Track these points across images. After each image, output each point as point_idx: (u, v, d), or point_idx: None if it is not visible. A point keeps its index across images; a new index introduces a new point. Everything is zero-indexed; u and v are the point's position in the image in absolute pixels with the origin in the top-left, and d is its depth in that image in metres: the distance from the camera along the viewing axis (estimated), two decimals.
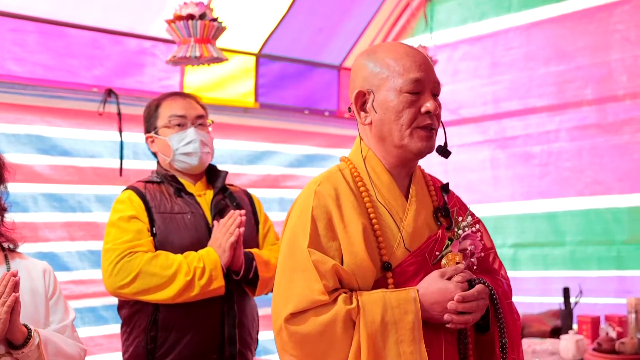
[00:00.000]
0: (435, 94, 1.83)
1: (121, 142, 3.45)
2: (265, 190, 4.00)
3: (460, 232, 1.84)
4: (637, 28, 3.70)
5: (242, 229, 2.48)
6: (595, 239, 3.89)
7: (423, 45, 3.99)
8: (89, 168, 3.41)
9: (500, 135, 4.19)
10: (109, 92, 3.42)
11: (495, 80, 4.20)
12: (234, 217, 2.49)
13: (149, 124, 2.71)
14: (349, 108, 1.88)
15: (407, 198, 1.86)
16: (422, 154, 1.83)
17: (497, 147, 4.21)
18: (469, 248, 1.84)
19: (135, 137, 3.54)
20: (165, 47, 3.65)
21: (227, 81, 3.93)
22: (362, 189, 1.82)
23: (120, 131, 3.45)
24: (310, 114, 4.37)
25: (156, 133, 2.68)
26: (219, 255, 2.47)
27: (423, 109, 1.78)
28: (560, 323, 3.57)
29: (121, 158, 3.45)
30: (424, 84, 1.79)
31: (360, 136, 1.89)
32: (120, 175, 3.44)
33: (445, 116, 4.36)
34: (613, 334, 3.33)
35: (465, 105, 4.29)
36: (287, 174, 4.24)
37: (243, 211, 2.53)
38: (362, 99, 1.83)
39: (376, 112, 1.80)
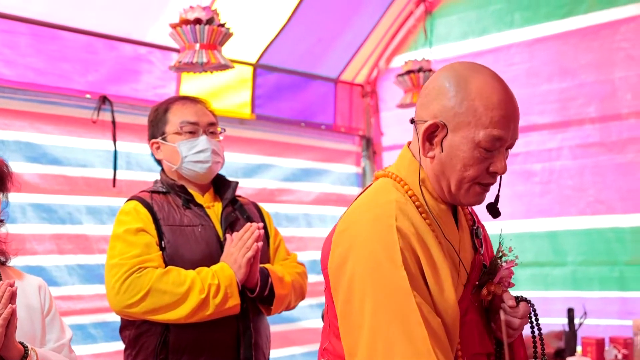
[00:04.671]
0: (509, 147, 1.66)
1: (115, 152, 3.31)
2: (260, 204, 3.88)
3: (503, 263, 1.73)
4: None
5: (260, 244, 2.34)
6: (598, 260, 3.82)
7: (427, 59, 3.90)
8: (81, 178, 3.26)
9: None
10: (104, 99, 3.29)
11: None
12: (252, 231, 2.35)
13: (156, 129, 2.54)
14: (412, 120, 1.68)
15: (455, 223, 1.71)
16: (470, 206, 1.71)
17: None
18: (506, 276, 1.75)
19: (128, 146, 3.42)
20: (161, 54, 3.53)
21: (224, 91, 3.82)
22: (427, 221, 1.62)
23: (115, 140, 3.31)
24: (307, 127, 4.27)
25: (164, 139, 2.52)
26: (235, 271, 2.32)
27: (491, 169, 1.61)
28: (563, 345, 3.49)
29: (115, 168, 3.31)
30: (503, 142, 1.60)
31: (412, 152, 1.70)
32: (114, 186, 3.30)
33: None
34: (620, 357, 3.26)
35: None
36: (283, 188, 4.12)
37: (261, 224, 2.39)
38: (433, 129, 1.62)
39: (442, 151, 1.61)
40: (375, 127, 4.70)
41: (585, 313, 3.45)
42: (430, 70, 3.86)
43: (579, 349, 3.44)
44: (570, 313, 3.46)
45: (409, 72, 3.89)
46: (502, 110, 1.58)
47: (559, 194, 3.93)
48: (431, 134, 1.63)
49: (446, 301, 1.55)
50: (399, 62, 4.42)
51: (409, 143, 1.75)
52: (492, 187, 1.67)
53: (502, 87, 1.62)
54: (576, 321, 3.45)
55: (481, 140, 1.57)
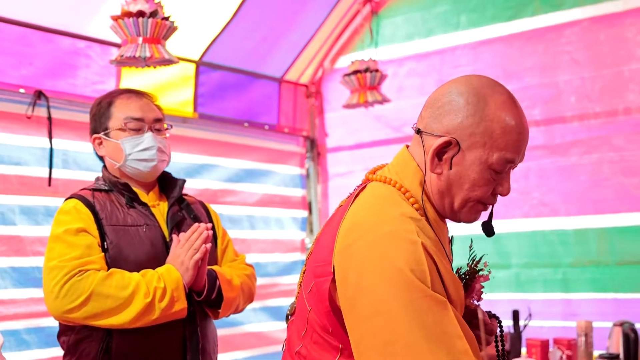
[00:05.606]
0: (514, 168, 1.63)
1: (51, 149, 3.16)
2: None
3: (477, 275, 1.72)
4: (586, 50, 3.70)
5: (209, 245, 2.24)
6: (541, 262, 3.85)
7: (374, 59, 3.86)
8: (14, 176, 3.09)
9: None
10: (39, 94, 3.13)
11: None
12: (200, 231, 2.24)
13: (98, 124, 2.40)
14: (419, 129, 1.61)
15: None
16: (467, 223, 1.66)
17: None
18: (478, 290, 1.74)
19: (65, 144, 3.27)
20: (100, 49, 3.39)
21: (165, 88, 3.69)
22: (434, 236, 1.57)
23: (50, 137, 3.16)
24: (250, 127, 4.18)
25: (107, 135, 2.39)
26: (181, 273, 2.21)
27: (497, 191, 1.59)
28: (508, 346, 3.48)
29: (50, 166, 3.15)
30: (512, 165, 1.59)
31: (416, 161, 1.63)
32: (49, 185, 3.15)
33: (388, 134, 4.34)
34: (564, 358, 3.27)
35: (409, 123, 4.18)
36: (226, 189, 4.02)
37: (209, 224, 2.29)
38: (445, 145, 1.57)
39: (451, 169, 1.57)
40: (319, 128, 4.64)
41: (530, 315, 3.46)
42: (377, 71, 3.82)
43: (523, 350, 3.44)
44: (516, 315, 3.46)
45: (355, 72, 3.84)
46: (517, 134, 1.56)
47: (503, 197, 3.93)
48: (442, 150, 1.57)
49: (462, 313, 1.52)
50: (344, 62, 4.38)
51: (407, 147, 1.68)
52: None
53: (518, 109, 1.59)
54: (521, 323, 3.46)
55: (494, 163, 1.54)
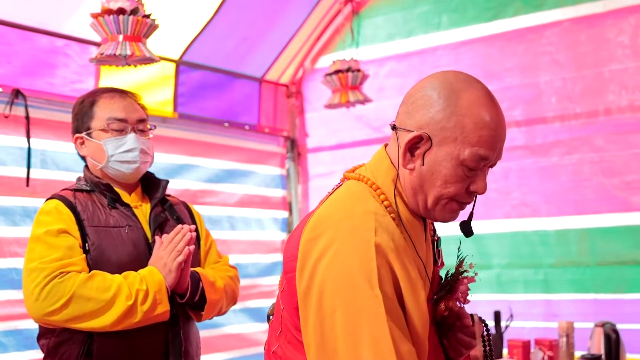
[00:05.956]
0: (491, 166, 1.58)
1: (29, 149, 3.11)
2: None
3: (461, 277, 1.70)
4: (567, 50, 3.71)
5: (192, 247, 2.21)
6: (522, 262, 3.86)
7: (355, 59, 3.84)
8: None
9: None
10: (17, 93, 3.08)
11: None
12: (183, 233, 2.21)
13: (81, 123, 2.35)
14: (394, 125, 1.59)
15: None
16: (443, 222, 1.62)
17: None
18: (464, 292, 1.71)
19: (43, 143, 3.22)
20: (79, 47, 3.34)
21: (145, 88, 3.64)
22: (403, 235, 1.52)
23: (28, 137, 3.10)
24: (230, 127, 4.15)
25: (89, 135, 2.34)
26: (164, 275, 2.18)
27: (472, 188, 1.54)
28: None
29: (28, 166, 3.10)
30: (487, 162, 1.53)
31: (390, 158, 1.60)
32: (27, 185, 3.09)
33: (369, 134, 4.33)
34: (546, 358, 3.28)
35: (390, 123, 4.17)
36: (206, 190, 3.99)
37: (193, 226, 2.25)
38: (417, 141, 1.53)
39: (423, 165, 1.53)
40: (300, 128, 4.62)
41: (511, 315, 3.46)
42: (358, 70, 3.81)
43: (505, 351, 3.44)
44: (497, 316, 3.46)
45: (337, 71, 3.82)
46: (490, 130, 1.51)
47: (484, 197, 3.82)
48: (414, 146, 1.53)
49: (422, 318, 1.48)
50: (325, 62, 4.37)
51: (386, 145, 1.65)
52: None
53: (494, 105, 1.54)
54: (502, 324, 3.46)
55: (466, 159, 1.50)
